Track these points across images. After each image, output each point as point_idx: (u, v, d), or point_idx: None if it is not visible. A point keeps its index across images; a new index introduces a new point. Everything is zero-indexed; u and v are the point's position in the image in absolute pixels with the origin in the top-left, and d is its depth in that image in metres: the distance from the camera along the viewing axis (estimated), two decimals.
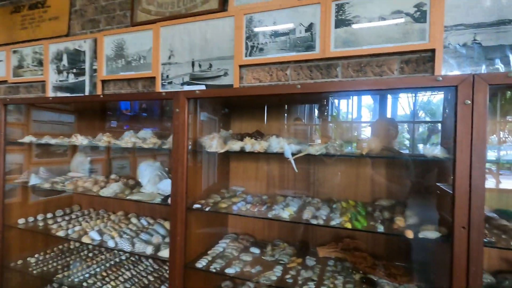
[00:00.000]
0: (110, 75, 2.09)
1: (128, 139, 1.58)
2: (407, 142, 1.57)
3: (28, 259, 1.90)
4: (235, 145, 1.28)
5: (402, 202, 1.39)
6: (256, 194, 1.63)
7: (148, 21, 1.98)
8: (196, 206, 1.36)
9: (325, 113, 1.63)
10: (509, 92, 1.34)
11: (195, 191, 1.47)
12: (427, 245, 1.23)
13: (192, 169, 1.46)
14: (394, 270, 1.27)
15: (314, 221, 1.17)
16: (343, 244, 1.43)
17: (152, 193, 1.58)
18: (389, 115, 1.52)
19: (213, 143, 1.31)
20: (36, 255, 1.94)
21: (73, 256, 1.98)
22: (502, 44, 1.29)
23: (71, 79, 2.23)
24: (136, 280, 1.72)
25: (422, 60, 1.42)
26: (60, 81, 2.27)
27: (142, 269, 1.82)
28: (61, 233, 1.68)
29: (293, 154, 1.20)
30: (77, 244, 2.08)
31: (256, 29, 1.69)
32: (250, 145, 1.26)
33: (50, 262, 1.89)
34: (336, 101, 1.66)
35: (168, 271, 1.47)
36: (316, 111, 1.68)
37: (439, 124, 1.49)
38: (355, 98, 1.62)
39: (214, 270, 1.32)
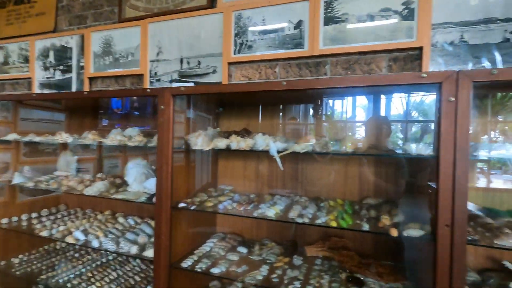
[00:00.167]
0: (98, 72, 2.05)
1: (113, 137, 1.55)
2: (400, 142, 1.57)
3: (12, 259, 1.85)
4: (221, 143, 1.26)
5: (390, 201, 1.38)
6: (244, 193, 1.61)
7: (136, 17, 1.95)
8: (182, 205, 1.33)
9: (319, 112, 1.62)
10: (499, 93, 1.35)
11: (181, 190, 1.44)
12: (414, 243, 1.22)
13: (179, 168, 1.44)
14: (381, 268, 1.26)
15: (299, 220, 1.16)
16: (331, 243, 1.42)
17: (138, 192, 1.55)
18: (382, 114, 1.51)
19: (199, 141, 1.29)
20: (20, 256, 1.89)
21: (59, 256, 1.94)
22: (488, 43, 1.29)
23: (58, 76, 2.19)
24: (123, 280, 1.68)
25: (410, 58, 1.42)
26: (47, 78, 2.23)
27: (129, 269, 1.79)
28: (44, 233, 1.64)
29: (279, 152, 1.19)
30: (64, 245, 2.04)
31: (245, 26, 1.67)
32: (235, 142, 1.24)
33: (35, 262, 1.85)
34: (330, 101, 1.65)
35: None
36: (311, 111, 1.66)
37: (432, 124, 1.49)
38: (350, 98, 1.61)
39: (199, 270, 1.30)
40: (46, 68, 2.23)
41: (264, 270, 1.29)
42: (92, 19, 2.11)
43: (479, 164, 1.40)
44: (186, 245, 1.48)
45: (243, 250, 1.48)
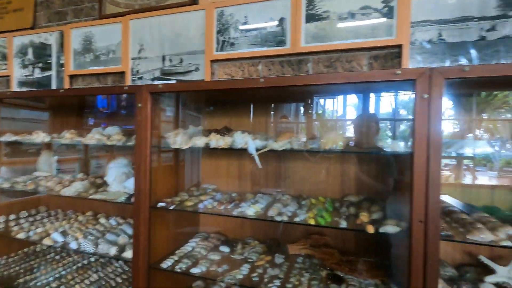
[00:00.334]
0: (78, 70, 2.00)
1: (92, 136, 1.51)
2: (387, 140, 1.57)
3: None
4: (199, 141, 1.25)
5: (370, 198, 1.39)
6: (227, 192, 1.59)
7: (117, 14, 1.91)
8: (161, 204, 1.31)
9: (310, 111, 1.62)
10: (483, 92, 1.37)
11: (162, 190, 1.42)
12: (392, 240, 1.23)
13: (160, 167, 1.42)
14: (360, 265, 1.27)
15: (278, 218, 1.15)
16: (312, 240, 1.42)
17: (117, 192, 1.51)
18: (370, 112, 1.51)
19: (178, 139, 1.27)
20: None
21: (39, 259, 1.88)
22: (465, 41, 1.30)
23: (37, 74, 2.13)
24: (103, 282, 1.65)
25: (390, 56, 1.43)
26: (26, 76, 2.16)
27: (111, 271, 1.75)
28: (21, 235, 1.60)
29: (257, 150, 1.18)
30: (44, 247, 1.98)
31: (227, 23, 1.65)
32: (215, 141, 1.23)
33: (13, 266, 1.79)
34: (315, 100, 1.65)
35: None
36: (302, 109, 1.66)
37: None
38: (339, 97, 1.61)
39: (179, 270, 1.28)
40: (25, 66, 2.16)
41: (245, 269, 1.28)
42: (72, 15, 2.06)
43: (466, 162, 1.44)
44: (168, 245, 1.46)
45: (225, 249, 1.47)
